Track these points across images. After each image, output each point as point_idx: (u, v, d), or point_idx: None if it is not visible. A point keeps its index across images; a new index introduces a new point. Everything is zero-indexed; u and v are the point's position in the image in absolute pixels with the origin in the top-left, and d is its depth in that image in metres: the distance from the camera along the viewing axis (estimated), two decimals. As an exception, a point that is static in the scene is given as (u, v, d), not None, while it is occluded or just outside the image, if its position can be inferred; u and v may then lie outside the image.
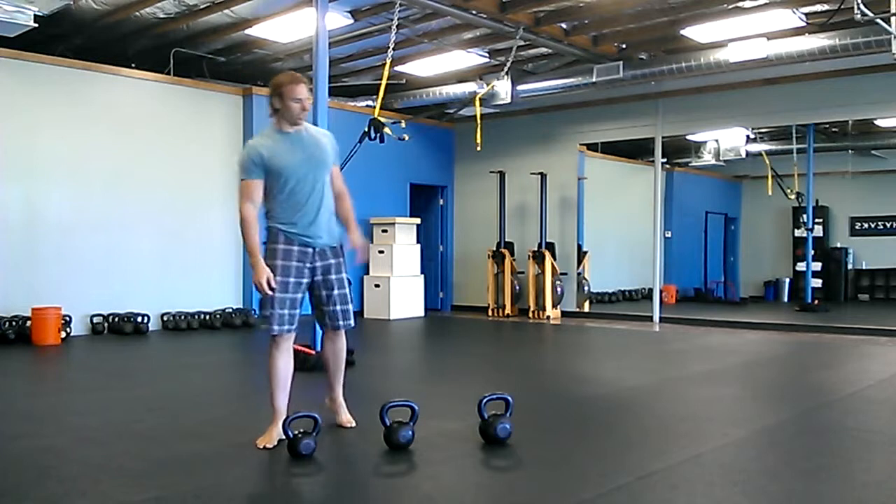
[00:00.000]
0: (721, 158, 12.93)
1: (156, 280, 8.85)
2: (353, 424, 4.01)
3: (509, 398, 3.88)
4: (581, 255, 11.23)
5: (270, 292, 3.65)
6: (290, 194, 3.71)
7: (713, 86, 9.72)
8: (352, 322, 3.94)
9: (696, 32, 8.05)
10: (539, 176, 11.01)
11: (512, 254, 11.12)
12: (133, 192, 8.70)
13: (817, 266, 13.51)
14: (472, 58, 9.26)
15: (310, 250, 3.76)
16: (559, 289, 10.75)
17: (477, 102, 9.04)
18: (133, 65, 9.22)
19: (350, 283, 3.97)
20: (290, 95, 3.69)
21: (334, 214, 3.88)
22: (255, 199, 3.69)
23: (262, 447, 3.61)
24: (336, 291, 3.85)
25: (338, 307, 3.87)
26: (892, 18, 6.40)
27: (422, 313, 10.86)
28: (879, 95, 8.92)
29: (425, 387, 5.66)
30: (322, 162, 3.79)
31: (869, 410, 4.77)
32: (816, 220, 13.14)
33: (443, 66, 9.56)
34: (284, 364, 3.76)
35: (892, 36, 6.59)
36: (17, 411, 4.60)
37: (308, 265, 3.77)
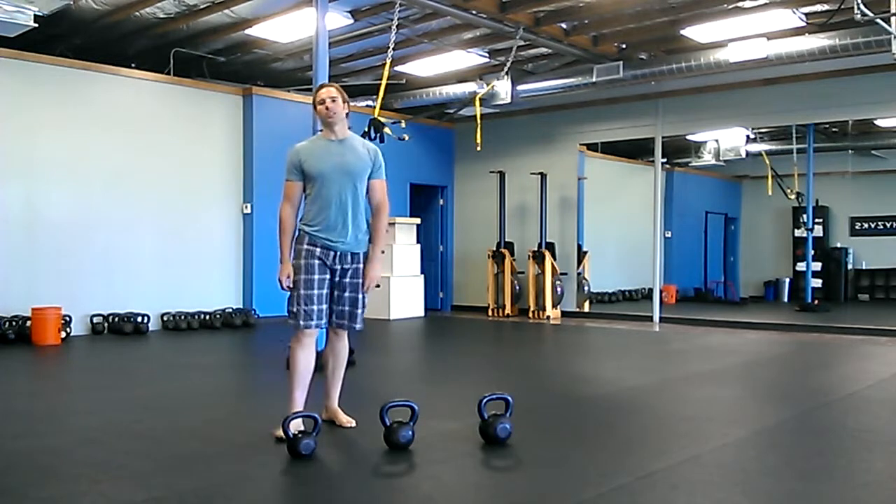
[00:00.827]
0: (721, 158, 12.93)
1: (156, 280, 8.85)
2: (353, 424, 4.03)
3: (509, 398, 3.88)
4: (581, 255, 11.23)
5: (287, 289, 3.84)
6: (317, 198, 3.87)
7: (713, 86, 9.72)
8: (357, 325, 3.99)
9: (696, 32, 8.05)
10: (539, 176, 11.00)
11: (512, 254, 11.12)
12: (133, 192, 8.70)
13: (817, 266, 13.51)
14: (472, 58, 9.26)
15: (331, 253, 3.87)
16: (559, 289, 10.75)
17: (477, 102, 9.04)
18: (133, 65, 9.22)
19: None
20: (316, 101, 3.94)
21: (363, 223, 3.96)
22: (293, 199, 3.91)
23: (275, 435, 3.73)
24: (347, 293, 3.93)
25: (345, 308, 3.94)
26: (892, 18, 6.40)
27: (422, 313, 10.86)
28: (879, 95, 8.92)
29: (425, 387, 5.66)
30: (352, 171, 3.89)
31: (869, 410, 4.77)
32: (816, 220, 13.14)
33: (443, 66, 9.55)
34: (305, 359, 3.89)
35: (892, 36, 6.59)
36: (17, 411, 4.60)
37: (329, 265, 3.88)
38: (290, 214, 3.89)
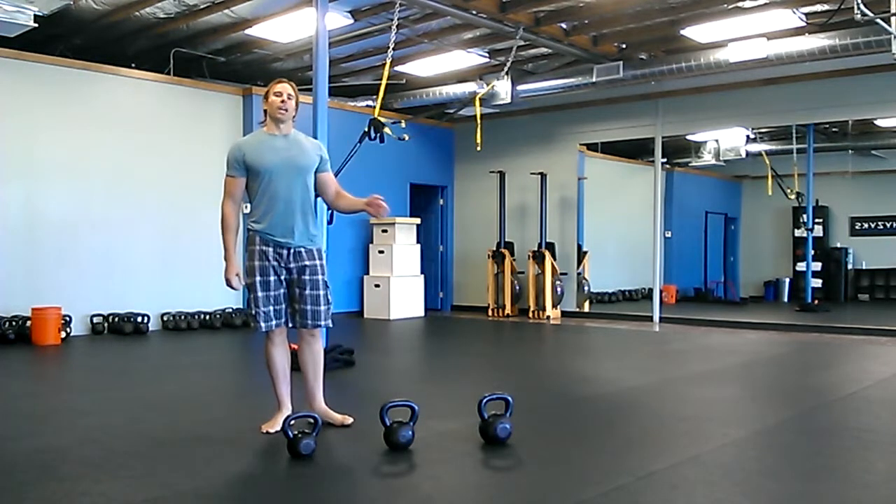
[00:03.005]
0: (721, 158, 12.93)
1: (156, 280, 8.85)
2: (350, 420, 4.03)
3: (509, 398, 3.87)
4: (581, 255, 11.23)
5: (238, 288, 3.90)
6: (264, 194, 3.87)
7: (713, 86, 9.72)
8: (321, 322, 3.94)
9: (696, 32, 8.05)
10: (539, 176, 11.01)
11: (512, 254, 11.12)
12: (133, 192, 8.70)
13: (817, 266, 13.51)
14: (472, 58, 9.26)
15: (284, 251, 3.87)
16: (559, 289, 10.75)
17: (477, 102, 9.04)
18: (133, 65, 9.22)
19: (328, 286, 3.98)
20: (272, 91, 3.91)
21: (314, 219, 3.96)
22: (234, 195, 3.91)
23: (265, 432, 3.85)
24: (308, 291, 3.89)
25: (308, 307, 3.90)
26: (892, 18, 6.40)
27: (422, 313, 10.86)
28: (879, 95, 8.92)
29: (425, 387, 5.66)
30: (300, 166, 3.90)
31: (869, 410, 4.77)
32: (816, 220, 13.14)
33: (443, 66, 9.55)
34: (279, 356, 3.98)
35: (892, 36, 6.59)
36: (17, 411, 4.60)
37: (284, 265, 3.88)
38: (233, 211, 3.90)
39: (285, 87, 3.90)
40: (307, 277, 3.89)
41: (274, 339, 3.94)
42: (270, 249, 3.84)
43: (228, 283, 3.87)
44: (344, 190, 4.10)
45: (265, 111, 3.93)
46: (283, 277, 3.89)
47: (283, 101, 3.86)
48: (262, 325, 3.86)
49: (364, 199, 3.94)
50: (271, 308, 3.86)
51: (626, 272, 13.09)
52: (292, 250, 3.87)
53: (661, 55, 8.96)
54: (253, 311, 3.85)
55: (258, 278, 3.83)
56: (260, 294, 3.84)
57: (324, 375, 4.12)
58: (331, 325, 4.01)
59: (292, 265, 3.88)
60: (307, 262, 3.89)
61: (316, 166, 3.96)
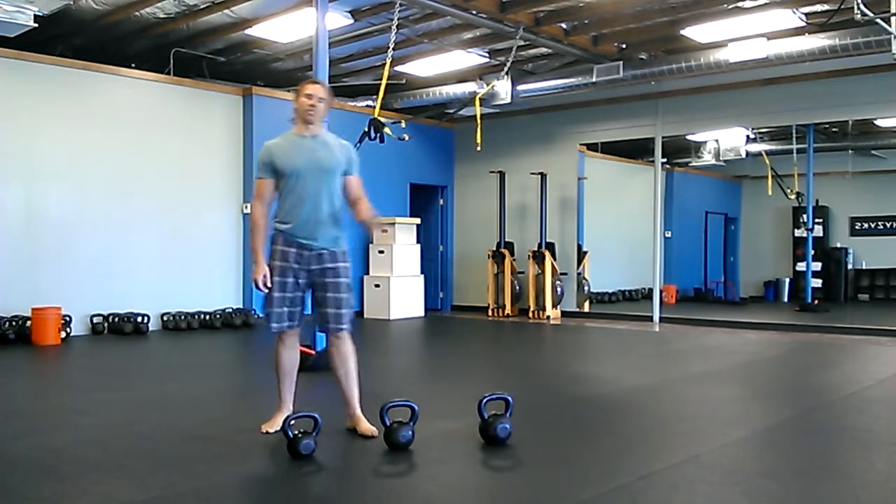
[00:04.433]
0: (721, 158, 12.93)
1: (156, 280, 8.85)
2: (375, 433, 3.82)
3: (509, 398, 3.87)
4: (581, 255, 11.23)
5: (264, 290, 3.83)
6: (290, 195, 3.83)
7: (713, 86, 9.72)
8: (342, 325, 3.89)
9: (696, 32, 8.05)
10: (539, 176, 11.01)
11: (512, 254, 11.12)
12: (133, 192, 8.70)
13: (817, 266, 13.50)
14: (472, 58, 9.26)
15: (307, 252, 3.83)
16: (559, 289, 10.75)
17: (477, 102, 9.04)
18: (133, 65, 9.22)
19: (350, 288, 3.95)
20: (303, 92, 3.90)
21: (339, 221, 3.91)
22: (264, 196, 3.88)
23: (264, 431, 3.85)
24: (329, 294, 3.86)
25: (329, 310, 3.86)
26: (892, 18, 6.40)
27: (422, 313, 10.86)
28: (879, 95, 8.92)
29: (425, 387, 5.66)
30: (327, 168, 3.85)
31: (869, 410, 4.77)
32: (816, 220, 13.13)
33: (443, 66, 9.56)
34: (287, 357, 3.96)
35: (892, 36, 6.59)
36: (17, 411, 4.60)
37: (306, 267, 3.84)
38: (263, 213, 3.87)
39: (317, 89, 3.88)
40: (329, 280, 3.85)
41: (285, 341, 3.91)
42: (293, 250, 3.81)
43: (256, 285, 3.84)
44: (366, 199, 3.99)
45: (295, 109, 3.90)
46: (301, 281, 3.84)
47: (312, 105, 3.84)
48: (274, 325, 3.85)
49: (366, 213, 3.90)
50: (285, 309, 3.83)
51: (626, 272, 13.09)
52: (314, 252, 3.82)
53: (661, 55, 8.96)
54: (267, 311, 3.85)
55: (276, 278, 3.81)
56: (275, 294, 3.81)
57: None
58: (345, 328, 3.91)
59: (314, 267, 3.83)
60: (329, 265, 3.84)
61: (343, 168, 3.91)
